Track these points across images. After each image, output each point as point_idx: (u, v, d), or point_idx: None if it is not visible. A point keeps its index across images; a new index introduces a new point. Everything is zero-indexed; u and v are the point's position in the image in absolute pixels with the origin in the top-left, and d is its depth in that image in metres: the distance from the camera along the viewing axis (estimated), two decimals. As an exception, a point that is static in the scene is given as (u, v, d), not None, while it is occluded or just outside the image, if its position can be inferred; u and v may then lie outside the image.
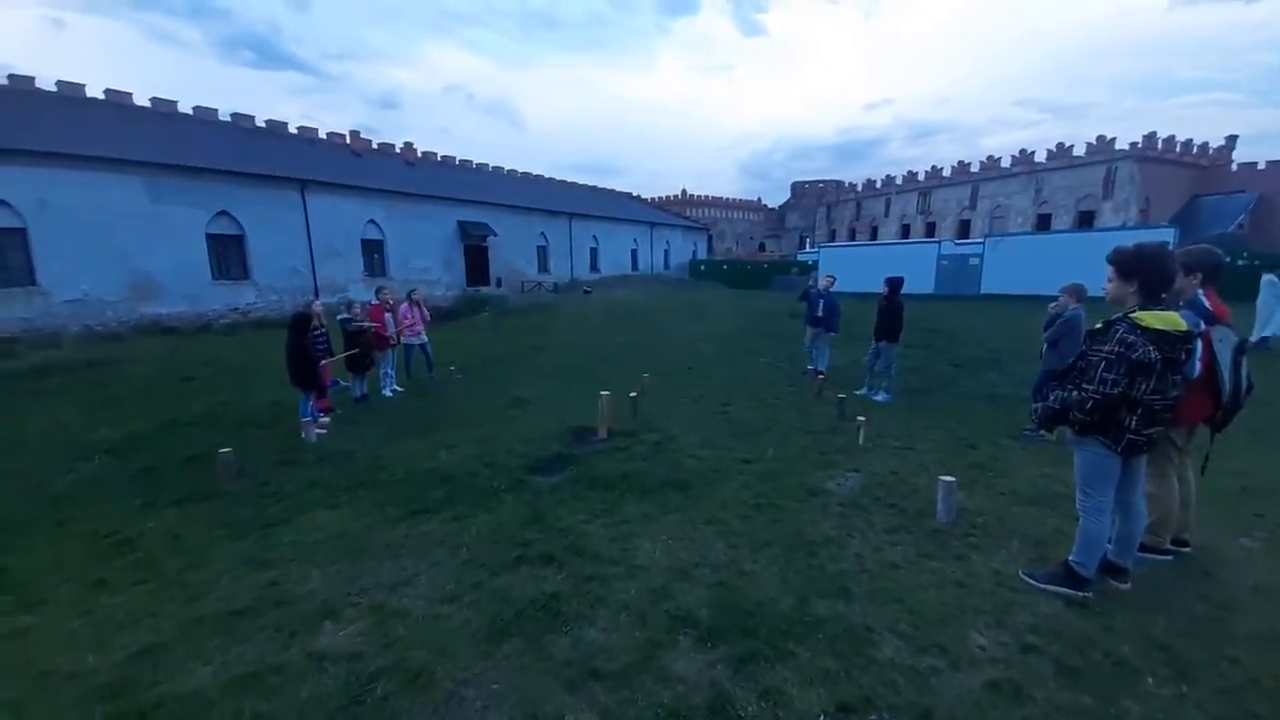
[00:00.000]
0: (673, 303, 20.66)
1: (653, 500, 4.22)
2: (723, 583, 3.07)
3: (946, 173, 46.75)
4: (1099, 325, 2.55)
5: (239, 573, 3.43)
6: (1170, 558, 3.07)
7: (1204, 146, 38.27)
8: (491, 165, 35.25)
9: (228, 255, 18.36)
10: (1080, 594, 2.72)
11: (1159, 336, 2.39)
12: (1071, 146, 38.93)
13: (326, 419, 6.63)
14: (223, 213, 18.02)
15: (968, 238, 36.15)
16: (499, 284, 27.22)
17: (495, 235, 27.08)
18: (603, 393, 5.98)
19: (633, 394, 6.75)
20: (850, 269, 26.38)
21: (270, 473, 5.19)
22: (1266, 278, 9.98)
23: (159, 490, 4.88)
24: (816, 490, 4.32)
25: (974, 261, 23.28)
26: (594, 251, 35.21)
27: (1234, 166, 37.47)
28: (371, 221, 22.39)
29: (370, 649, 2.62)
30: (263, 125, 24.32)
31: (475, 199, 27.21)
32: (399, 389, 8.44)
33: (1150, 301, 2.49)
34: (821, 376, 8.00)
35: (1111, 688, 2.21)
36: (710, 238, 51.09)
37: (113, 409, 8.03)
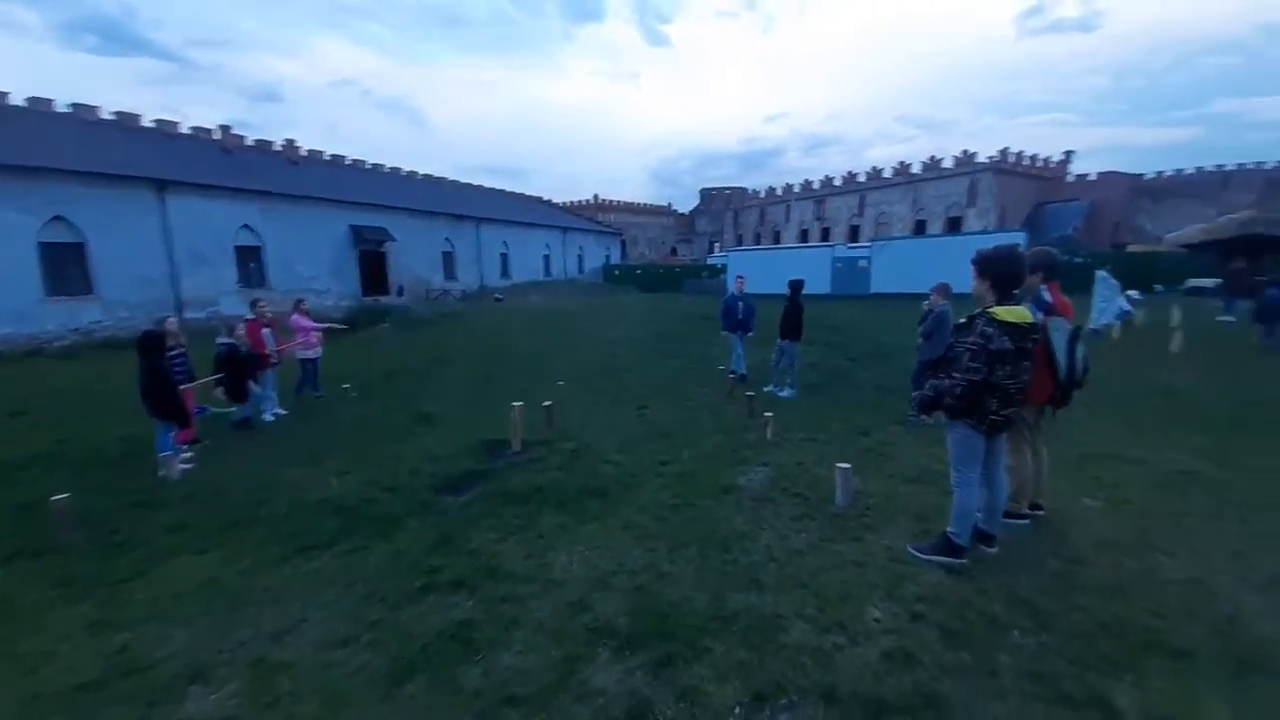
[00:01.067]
0: (587, 308, 20.58)
1: (569, 511, 4.14)
2: (641, 587, 3.06)
3: (838, 182, 50.70)
4: (963, 320, 2.85)
5: (81, 639, 2.92)
6: (1028, 522, 3.49)
7: (1047, 160, 44.56)
8: (389, 166, 33.24)
9: (65, 267, 15.76)
10: (958, 561, 3.01)
11: (1012, 328, 2.72)
12: (941, 159, 43.76)
13: (190, 452, 5.84)
14: (58, 218, 15.47)
15: (858, 242, 39.49)
16: (401, 293, 25.63)
17: (394, 240, 25.46)
18: (515, 403, 5.79)
19: (547, 403, 6.60)
20: (756, 271, 27.78)
21: (121, 519, 4.47)
22: (1099, 274, 11.72)
23: (-22, 549, 4.04)
24: (729, 487, 4.45)
25: (863, 263, 25.36)
26: (504, 257, 34.22)
27: (1071, 178, 44.08)
28: (246, 226, 20.20)
29: (248, 711, 2.33)
30: (110, 117, 21.24)
31: (370, 201, 25.42)
32: (281, 411, 7.64)
33: (1005, 298, 2.81)
34: (732, 376, 8.30)
35: (986, 644, 2.45)
36: (623, 243, 51.54)
37: (-94, 456, 6.56)
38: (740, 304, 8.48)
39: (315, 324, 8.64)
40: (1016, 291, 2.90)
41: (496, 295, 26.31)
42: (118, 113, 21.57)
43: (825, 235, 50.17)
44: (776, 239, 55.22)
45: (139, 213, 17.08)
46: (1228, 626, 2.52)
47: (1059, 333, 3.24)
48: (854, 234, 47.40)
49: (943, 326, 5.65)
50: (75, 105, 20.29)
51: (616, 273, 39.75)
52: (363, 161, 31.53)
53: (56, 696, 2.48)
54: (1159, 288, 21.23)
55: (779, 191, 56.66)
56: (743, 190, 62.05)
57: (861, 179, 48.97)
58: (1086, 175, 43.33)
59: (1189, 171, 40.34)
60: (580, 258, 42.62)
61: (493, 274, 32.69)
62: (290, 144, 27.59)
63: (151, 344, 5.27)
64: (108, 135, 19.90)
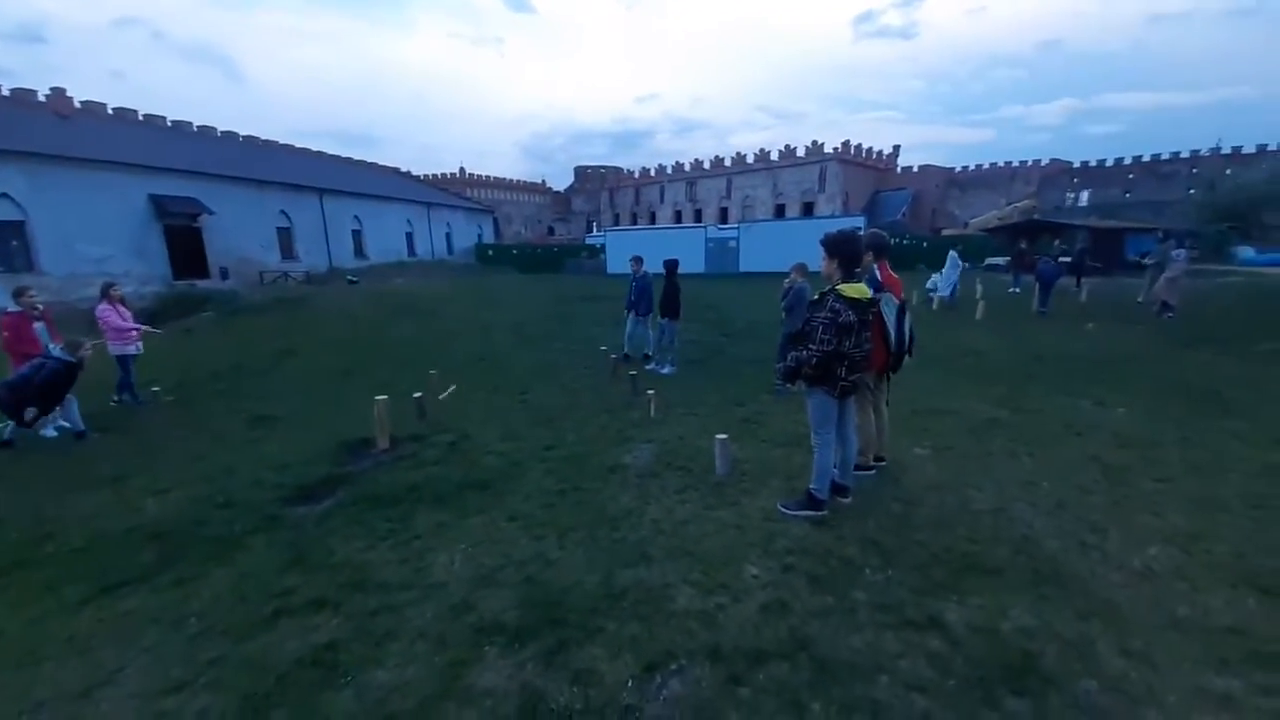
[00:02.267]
0: (459, 290, 19.37)
1: (449, 507, 3.89)
2: (529, 578, 2.98)
3: (707, 166, 53.04)
4: (816, 297, 3.11)
5: None
6: (873, 472, 3.98)
7: (880, 153, 50.54)
8: (198, 125, 28.09)
9: None
10: (820, 514, 3.35)
11: (854, 303, 3.02)
12: (795, 149, 47.62)
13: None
14: None
15: (727, 223, 41.82)
16: (225, 276, 21.97)
17: (211, 214, 21.55)
18: (379, 397, 5.28)
19: (417, 394, 6.12)
20: (634, 250, 28.23)
21: None
22: (952, 253, 13.93)
23: None
24: (615, 467, 4.48)
25: (732, 244, 26.92)
26: (357, 234, 30.82)
27: (899, 169, 50.57)
28: (4, 195, 15.95)
29: (39, 796, 1.87)
30: None
31: (175, 166, 21.27)
32: (65, 424, 6.13)
33: (848, 276, 3.11)
34: (616, 358, 8.32)
35: (843, 585, 2.76)
36: (496, 221, 49.24)
37: None
38: (634, 284, 8.50)
39: (129, 324, 7.10)
40: (858, 270, 3.23)
41: (350, 277, 23.61)
42: None
43: (698, 216, 52.40)
44: (652, 219, 56.53)
45: None
46: (1024, 545, 3.10)
47: (889, 307, 3.69)
48: (724, 215, 50.14)
49: (801, 302, 6.18)
50: None
51: (491, 253, 37.89)
52: (161, 118, 26.32)
53: None
54: (966, 265, 25.30)
55: (653, 172, 57.85)
56: (618, 170, 62.35)
57: (728, 164, 51.74)
58: (911, 167, 50.17)
59: (986, 166, 48.39)
60: (449, 236, 39.94)
61: (344, 253, 29.35)
62: (59, 94, 22.17)
63: None
64: None
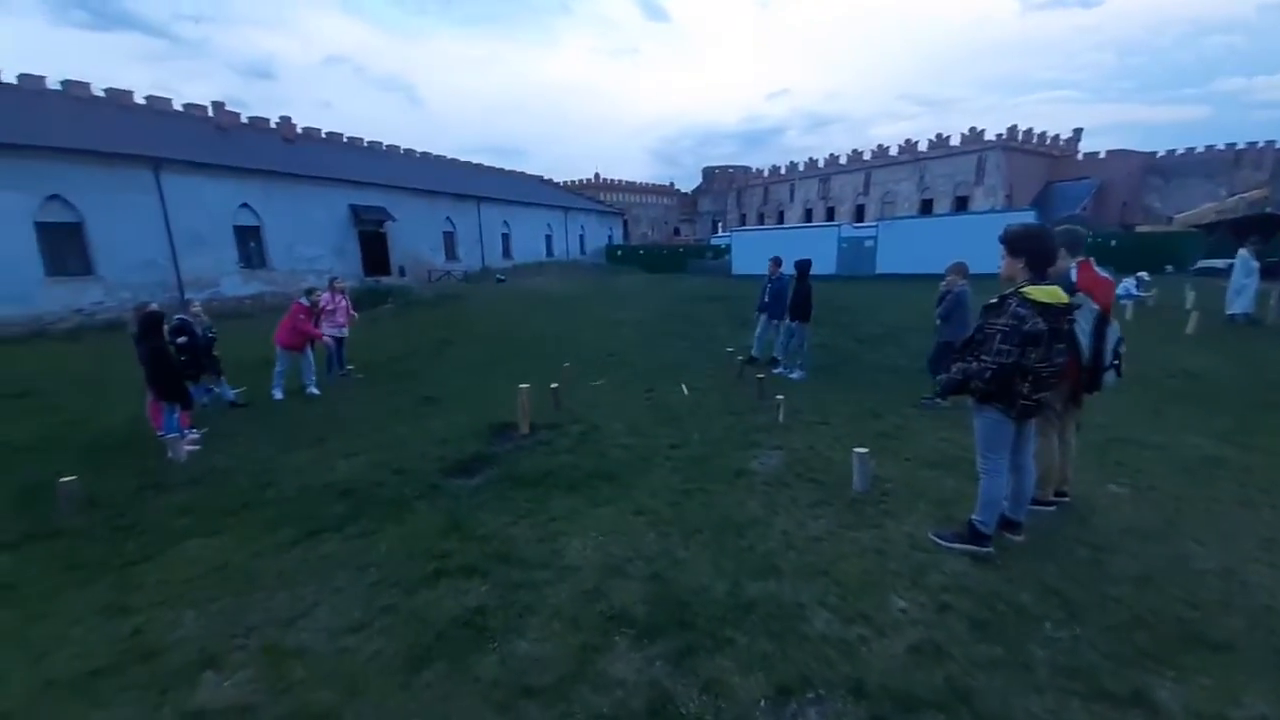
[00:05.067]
0: (591, 289, 20.38)
1: (580, 494, 4.08)
2: (657, 575, 3.00)
3: (843, 160, 49.85)
4: (994, 300, 2.72)
5: (92, 623, 2.88)
6: (1053, 508, 3.41)
7: (1055, 138, 43.66)
8: (387, 144, 32.73)
9: (64, 247, 15.61)
10: (984, 550, 2.94)
11: (1045, 309, 2.59)
12: (949, 137, 42.87)
13: (196, 434, 5.80)
14: (55, 197, 15.27)
15: (863, 221, 38.97)
16: (402, 273, 25.44)
17: (394, 220, 25.17)
18: (521, 385, 5.70)
19: (554, 385, 6.51)
20: (761, 252, 27.46)
21: (129, 502, 4.43)
22: (1241, 253, 10.43)
23: (-14, 532, 4.01)
24: (742, 471, 4.37)
25: (869, 243, 24.99)
26: (506, 238, 33.90)
27: (1080, 156, 43.25)
28: (245, 206, 19.94)
29: (263, 698, 2.28)
30: (101, 94, 20.84)
31: (369, 180, 25.06)
32: (315, 390, 7.64)
33: (1038, 277, 2.68)
34: (742, 359, 8.15)
35: (1017, 636, 2.39)
36: (625, 222, 51.01)
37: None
38: (768, 285, 8.30)
39: (344, 312, 8.65)
40: (1050, 270, 2.77)
41: (499, 276, 26.07)
42: (109, 89, 21.17)
43: (830, 215, 49.51)
44: (780, 218, 54.56)
45: (136, 192, 16.84)
46: (1265, 618, 2.45)
47: (1083, 313, 3.12)
48: (859, 213, 46.77)
49: (961, 307, 5.52)
50: (66, 82, 19.89)
51: (619, 253, 39.36)
52: (360, 140, 31.05)
53: (70, 683, 2.44)
54: (1169, 268, 20.90)
55: (783, 170, 55.80)
56: (746, 169, 61.12)
57: (867, 157, 48.14)
58: (1096, 153, 42.53)
59: (1199, 150, 39.58)
60: (582, 238, 42.21)
61: (494, 254, 32.43)
62: (286, 121, 27.15)
63: (154, 323, 5.18)
64: (101, 113, 19.55)
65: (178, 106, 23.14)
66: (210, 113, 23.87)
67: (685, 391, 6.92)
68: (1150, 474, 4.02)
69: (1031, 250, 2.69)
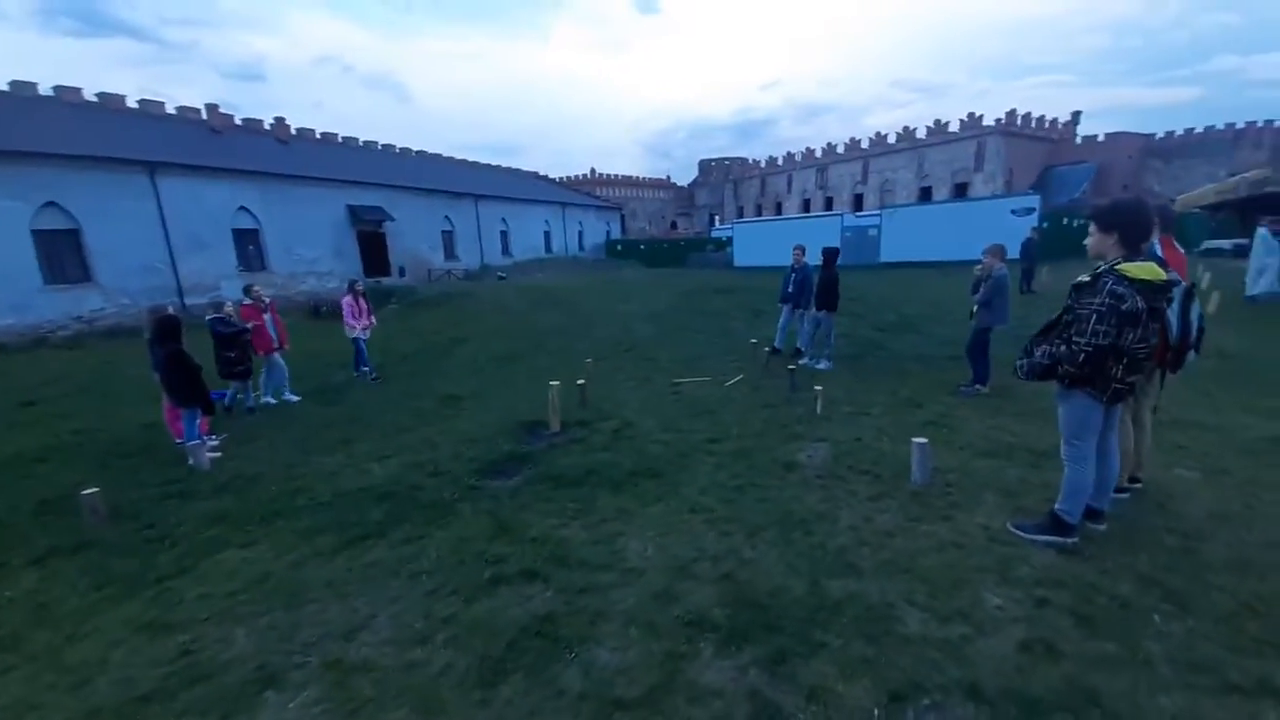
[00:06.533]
0: (594, 284, 20.15)
1: (627, 493, 3.94)
2: (727, 575, 2.87)
3: (841, 149, 49.61)
4: (1085, 279, 2.58)
5: (135, 643, 2.72)
6: (1127, 495, 3.29)
7: (1054, 122, 43.47)
8: (382, 143, 32.37)
9: (61, 254, 15.35)
10: (1069, 541, 2.81)
11: (1144, 286, 2.44)
12: (947, 123, 42.67)
13: (216, 440, 5.63)
14: (50, 204, 14.99)
15: (862, 210, 38.80)
16: (402, 273, 25.16)
17: (393, 220, 24.85)
18: (552, 382, 5.55)
19: (580, 381, 6.36)
20: (763, 243, 27.31)
21: (155, 511, 4.28)
22: (1260, 231, 10.17)
23: (10, 547, 3.85)
24: (791, 464, 4.24)
25: (873, 232, 24.84)
26: (504, 235, 33.56)
27: (1078, 139, 43.04)
28: (243, 208, 19.65)
29: (334, 719, 2.13)
30: (93, 100, 20.47)
31: (365, 180, 24.72)
32: (293, 397, 7.35)
33: (1132, 253, 2.54)
34: (767, 351, 8.01)
35: (1128, 631, 2.26)
36: (623, 217, 50.68)
37: (-82, 451, 6.36)
38: (792, 274, 8.14)
39: (364, 314, 8.46)
40: (1143, 246, 2.63)
41: (499, 274, 25.82)
42: (100, 94, 20.81)
43: (828, 204, 49.34)
44: (778, 209, 54.32)
45: (132, 197, 16.56)
46: (1384, 603, 2.34)
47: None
48: (858, 202, 46.62)
49: (1000, 292, 5.39)
50: (58, 88, 19.52)
51: (619, 248, 39.13)
52: (355, 139, 30.68)
53: (116, 710, 2.29)
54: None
55: (780, 161, 55.52)
56: (743, 160, 60.85)
57: (865, 145, 47.92)
58: (1094, 137, 42.35)
59: (1198, 131, 39.48)
60: (580, 233, 41.90)
61: (493, 252, 32.12)
62: (280, 122, 26.77)
63: (171, 327, 5.01)
64: (94, 118, 19.21)
65: (170, 110, 22.76)
66: (204, 115, 23.49)
67: (726, 384, 6.77)
68: (1216, 457, 3.91)
69: (1125, 225, 2.54)
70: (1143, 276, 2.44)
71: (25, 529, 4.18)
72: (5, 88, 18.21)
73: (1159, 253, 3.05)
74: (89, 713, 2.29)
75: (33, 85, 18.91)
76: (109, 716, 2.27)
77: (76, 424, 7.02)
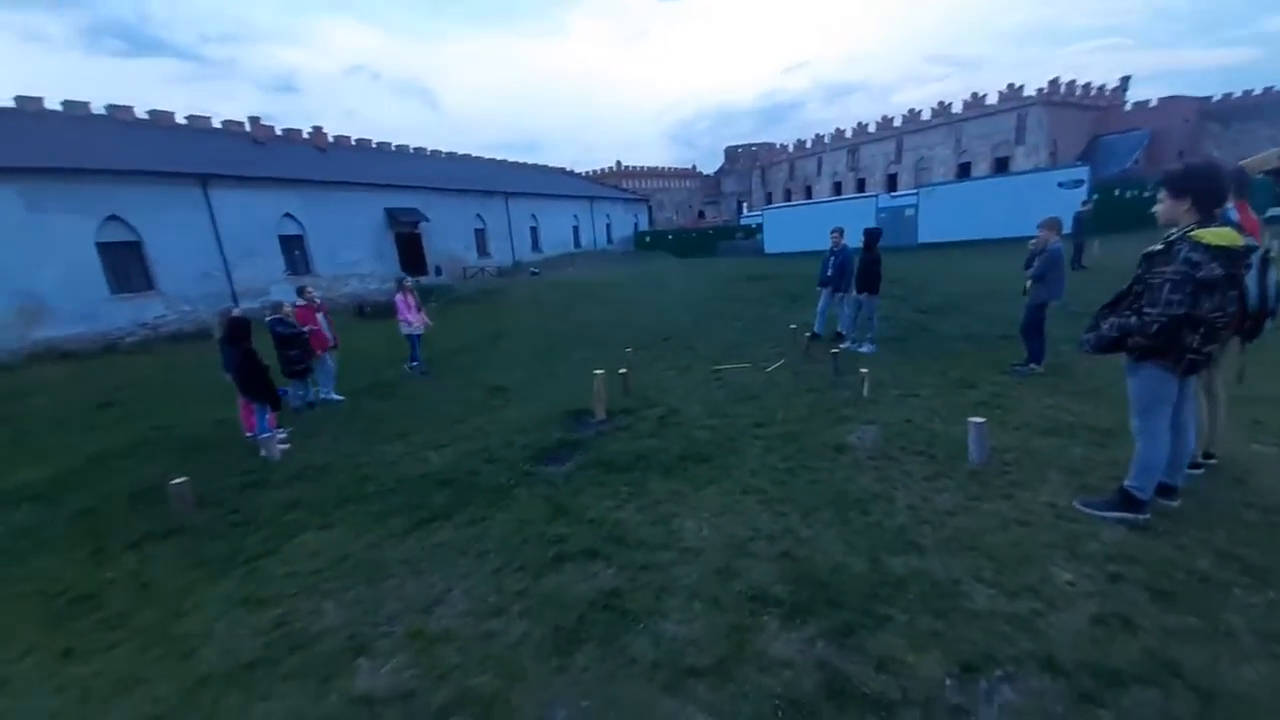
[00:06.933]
0: (626, 276, 20.25)
1: (679, 477, 4.01)
2: (786, 553, 2.92)
3: (872, 129, 48.12)
4: (1158, 247, 2.50)
5: (234, 616, 2.97)
6: (1202, 471, 3.18)
7: (1101, 89, 41.12)
8: (414, 146, 33.12)
9: (126, 265, 16.30)
10: (1140, 517, 2.75)
11: (1221, 252, 2.36)
12: (985, 96, 40.87)
13: (284, 434, 5.96)
14: (113, 218, 15.93)
15: (896, 191, 37.65)
16: (439, 272, 25.77)
17: (427, 220, 25.43)
18: (596, 371, 5.67)
19: (622, 370, 6.46)
20: (795, 228, 26.87)
21: (237, 499, 4.59)
22: None
23: (108, 534, 4.21)
24: (841, 446, 4.24)
25: (910, 212, 24.10)
26: (534, 231, 33.94)
27: (1128, 106, 40.62)
28: (288, 215, 20.43)
29: (424, 684, 2.29)
30: (144, 117, 21.55)
31: (401, 183, 25.35)
32: (336, 396, 7.54)
33: (1206, 218, 2.45)
34: (808, 335, 7.93)
35: (1207, 604, 2.22)
36: (650, 208, 50.50)
37: (24, 448, 6.96)
38: (831, 258, 8.03)
39: (415, 311, 8.80)
40: (1218, 211, 2.53)
41: (532, 269, 26.20)
42: (152, 111, 21.86)
43: (860, 186, 48.01)
44: (808, 194, 53.14)
45: (188, 208, 17.44)
46: None
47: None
48: (891, 182, 45.21)
49: (1056, 264, 5.21)
50: (110, 107, 20.62)
51: (648, 239, 39.04)
52: (388, 144, 31.43)
53: (226, 677, 2.50)
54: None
55: (808, 144, 54.23)
56: (770, 145, 59.68)
57: (897, 123, 46.33)
58: (1147, 102, 39.82)
59: (1256, 93, 36.75)
60: (609, 226, 41.95)
61: (524, 248, 32.53)
62: (318, 131, 27.63)
63: (241, 330, 5.32)
64: (146, 134, 20.23)
65: (217, 124, 23.80)
66: (247, 128, 24.48)
67: (768, 369, 6.76)
68: (1295, 431, 3.72)
69: (1199, 189, 2.45)
70: (1220, 243, 2.36)
71: (118, 517, 4.55)
72: (59, 108, 19.33)
73: (1234, 218, 2.92)
74: (200, 679, 2.52)
75: (85, 104, 20.02)
76: (219, 682, 2.49)
77: (154, 422, 7.52)
